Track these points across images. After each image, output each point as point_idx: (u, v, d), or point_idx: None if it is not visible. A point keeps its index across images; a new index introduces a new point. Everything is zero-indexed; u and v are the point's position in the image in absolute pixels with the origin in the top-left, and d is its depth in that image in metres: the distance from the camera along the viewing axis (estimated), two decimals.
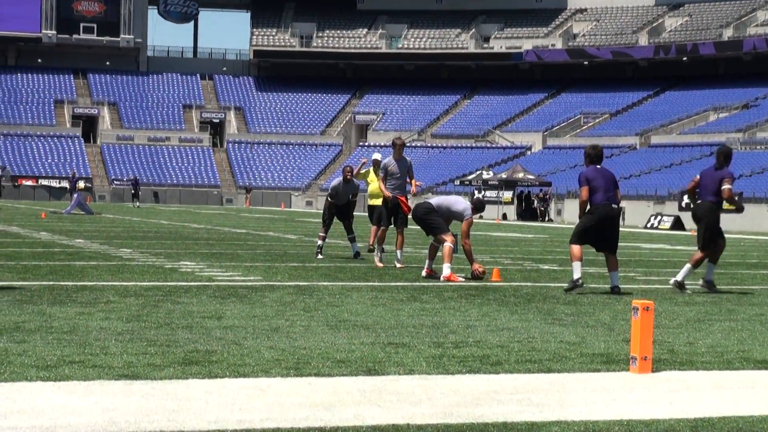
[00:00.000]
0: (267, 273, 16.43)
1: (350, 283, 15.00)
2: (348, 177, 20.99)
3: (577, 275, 14.45)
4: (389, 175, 18.60)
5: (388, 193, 18.59)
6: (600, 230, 14.76)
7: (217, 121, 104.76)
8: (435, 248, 16.81)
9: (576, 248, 14.71)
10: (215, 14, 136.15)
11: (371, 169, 22.12)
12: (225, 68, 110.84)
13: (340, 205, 21.17)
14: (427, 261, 16.75)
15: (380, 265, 18.61)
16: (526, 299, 13.44)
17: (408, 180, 18.79)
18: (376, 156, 22.35)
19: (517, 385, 7.32)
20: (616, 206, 14.88)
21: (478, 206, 17.37)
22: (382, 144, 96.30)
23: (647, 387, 7.41)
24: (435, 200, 17.03)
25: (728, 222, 58.20)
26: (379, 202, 20.42)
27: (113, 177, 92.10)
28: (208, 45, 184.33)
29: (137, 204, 69.75)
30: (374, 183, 21.47)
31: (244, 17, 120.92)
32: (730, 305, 13.45)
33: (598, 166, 15.16)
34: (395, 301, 12.75)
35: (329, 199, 21.15)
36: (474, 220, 16.98)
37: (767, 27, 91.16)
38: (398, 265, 18.46)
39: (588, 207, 14.82)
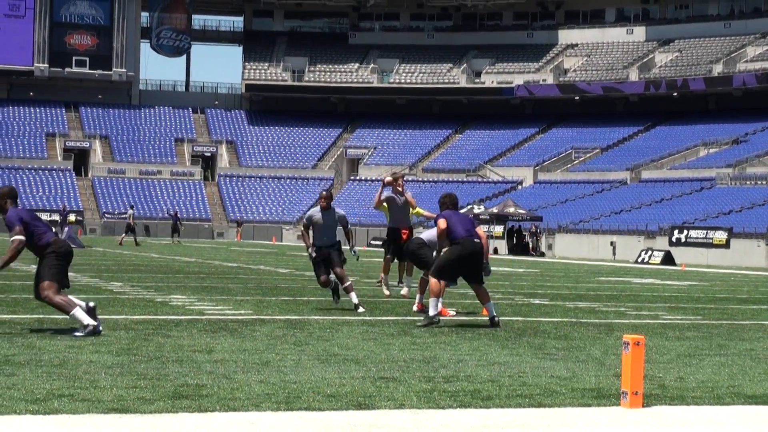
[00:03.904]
0: (258, 307, 16.39)
1: (341, 317, 14.98)
2: (324, 204, 16.68)
3: (433, 311, 14.24)
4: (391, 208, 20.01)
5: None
6: (465, 265, 14.52)
7: (209, 154, 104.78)
8: (425, 282, 16.80)
9: (435, 283, 14.40)
10: (208, 48, 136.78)
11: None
12: (217, 102, 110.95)
13: (325, 249, 16.46)
14: (417, 295, 16.73)
15: (387, 292, 19.06)
16: (517, 334, 13.43)
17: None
18: None
19: (507, 419, 7.31)
20: (477, 240, 14.59)
21: None
22: (373, 178, 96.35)
23: (638, 422, 7.41)
24: (425, 234, 17.08)
25: (718, 257, 58.63)
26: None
27: (104, 210, 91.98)
28: (200, 79, 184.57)
29: (177, 239, 66.57)
30: None
31: (236, 51, 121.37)
32: (721, 340, 13.45)
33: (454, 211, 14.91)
34: (386, 335, 12.73)
35: (304, 229, 16.94)
36: None
37: (757, 63, 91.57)
38: (403, 292, 18.86)
39: (451, 241, 14.57)
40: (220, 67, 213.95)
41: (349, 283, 16.38)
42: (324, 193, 16.84)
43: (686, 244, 61.90)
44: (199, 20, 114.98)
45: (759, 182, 74.50)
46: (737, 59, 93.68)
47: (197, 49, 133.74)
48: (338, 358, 10.32)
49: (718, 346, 12.66)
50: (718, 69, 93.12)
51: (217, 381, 8.51)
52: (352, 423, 6.96)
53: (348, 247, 17.00)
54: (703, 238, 61.94)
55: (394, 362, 10.09)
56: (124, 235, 56.26)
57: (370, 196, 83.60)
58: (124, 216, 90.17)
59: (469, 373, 9.47)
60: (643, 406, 7.93)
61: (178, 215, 72.30)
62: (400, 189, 20.64)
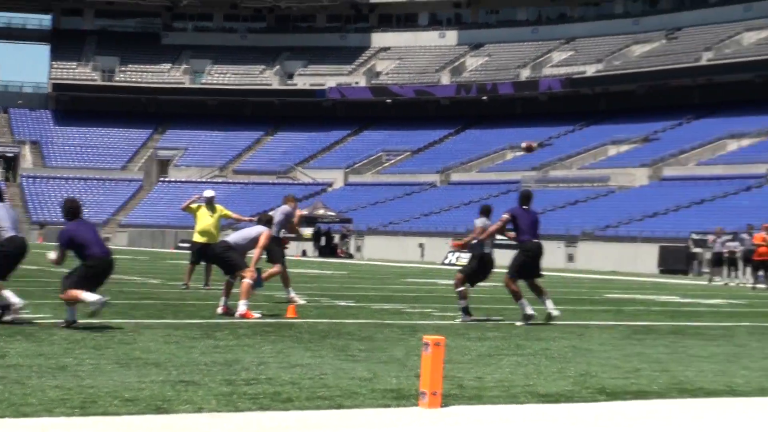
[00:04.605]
0: (57, 310, 16.00)
1: (144, 321, 14.75)
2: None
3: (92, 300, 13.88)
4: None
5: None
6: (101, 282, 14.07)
7: (11, 155, 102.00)
8: (230, 285, 16.73)
9: (72, 294, 13.82)
10: (13, 47, 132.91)
11: (204, 205, 22.11)
12: (20, 101, 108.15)
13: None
14: (222, 298, 16.62)
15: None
16: (321, 336, 13.46)
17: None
18: (209, 193, 22.34)
19: (306, 422, 7.31)
20: (110, 256, 14.08)
21: (267, 222, 17.56)
22: (183, 180, 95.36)
23: (435, 422, 7.49)
24: (231, 238, 16.98)
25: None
26: (203, 239, 20.97)
27: None
28: (4, 78, 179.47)
29: None
30: (203, 220, 21.61)
31: (43, 50, 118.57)
32: (519, 340, 13.76)
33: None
34: (188, 338, 12.60)
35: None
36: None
37: (562, 68, 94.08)
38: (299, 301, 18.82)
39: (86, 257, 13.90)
40: (26, 66, 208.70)
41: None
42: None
43: (492, 245, 63.01)
44: (3, 18, 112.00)
45: (560, 185, 76.58)
46: (543, 64, 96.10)
47: (1, 48, 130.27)
48: (139, 361, 10.15)
49: (516, 346, 12.94)
50: (525, 74, 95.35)
51: (8, 387, 8.27)
52: (150, 427, 6.86)
53: None
54: (507, 239, 63.22)
55: (195, 365, 9.99)
56: None
57: (179, 198, 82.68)
58: None
59: (271, 376, 9.44)
60: (441, 407, 8.02)
61: None
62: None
